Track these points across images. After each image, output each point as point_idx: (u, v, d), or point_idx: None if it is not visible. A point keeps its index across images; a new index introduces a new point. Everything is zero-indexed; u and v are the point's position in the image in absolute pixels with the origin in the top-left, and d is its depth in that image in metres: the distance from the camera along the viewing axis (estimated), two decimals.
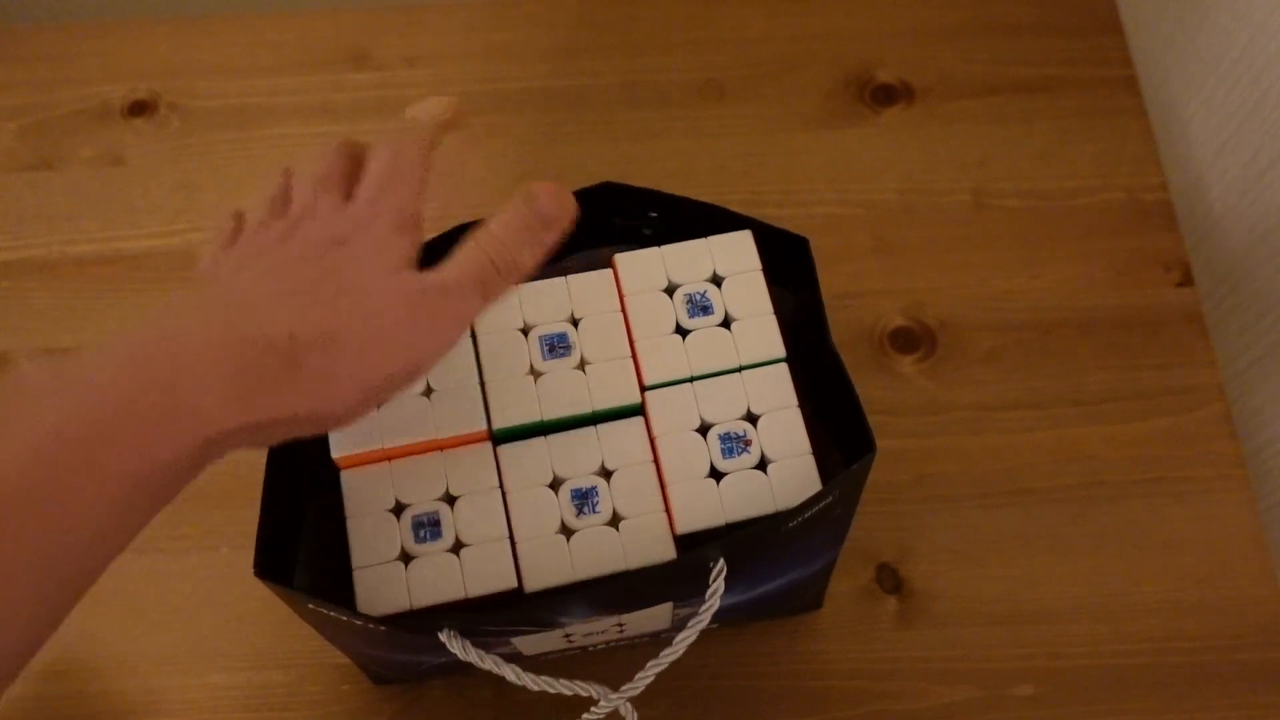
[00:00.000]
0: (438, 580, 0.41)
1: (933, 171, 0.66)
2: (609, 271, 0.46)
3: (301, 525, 0.44)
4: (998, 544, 0.56)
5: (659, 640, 0.52)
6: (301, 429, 0.35)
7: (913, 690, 0.53)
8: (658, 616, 0.45)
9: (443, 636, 0.39)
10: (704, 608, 0.40)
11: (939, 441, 0.58)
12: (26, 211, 0.66)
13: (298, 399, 0.34)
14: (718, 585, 0.39)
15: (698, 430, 0.43)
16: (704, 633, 0.41)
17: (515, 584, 0.41)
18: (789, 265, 0.45)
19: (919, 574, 0.55)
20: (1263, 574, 0.55)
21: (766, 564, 0.44)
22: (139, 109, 0.69)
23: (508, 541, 0.41)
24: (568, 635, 0.45)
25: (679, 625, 0.49)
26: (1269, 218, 0.57)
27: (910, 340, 0.61)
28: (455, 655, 0.39)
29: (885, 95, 0.68)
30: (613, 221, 0.47)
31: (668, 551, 0.41)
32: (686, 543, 0.41)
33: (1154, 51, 0.67)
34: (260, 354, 0.33)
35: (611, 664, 0.52)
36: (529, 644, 0.45)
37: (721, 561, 0.39)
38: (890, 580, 0.55)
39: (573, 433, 0.43)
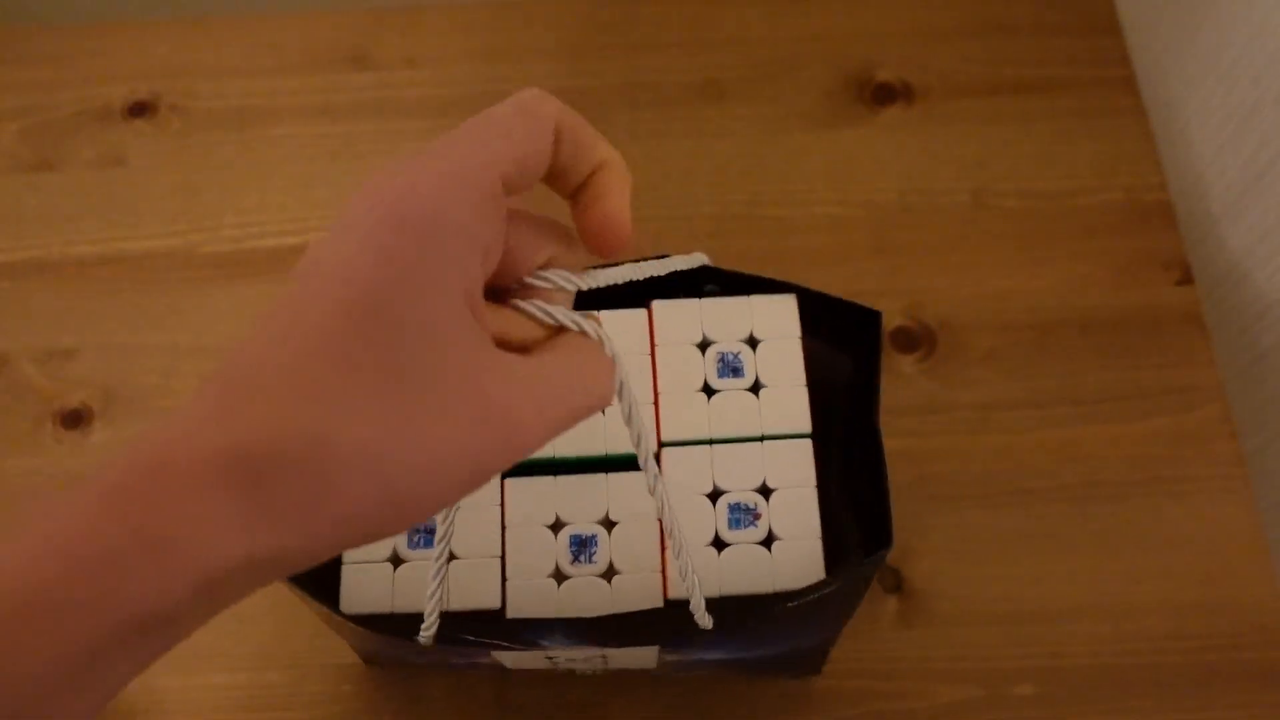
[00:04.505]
0: (423, 588, 0.40)
1: (933, 171, 0.66)
2: (643, 312, 0.44)
3: None
4: (998, 544, 0.56)
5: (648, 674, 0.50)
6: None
7: (913, 690, 0.53)
8: (643, 656, 0.45)
9: (420, 639, 0.39)
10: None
11: (939, 441, 0.58)
12: (27, 212, 0.66)
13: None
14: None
15: (708, 495, 0.42)
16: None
17: (499, 605, 0.40)
18: (854, 333, 0.44)
19: (919, 574, 0.55)
20: (1263, 574, 0.55)
21: (762, 634, 0.42)
22: (139, 110, 0.69)
23: (499, 560, 0.41)
24: (550, 658, 0.44)
25: (665, 670, 0.48)
26: (1269, 218, 0.57)
27: (910, 340, 0.61)
28: (439, 657, 0.39)
29: (885, 95, 0.68)
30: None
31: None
32: (677, 607, 0.40)
33: (1153, 51, 0.67)
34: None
35: (598, 683, 0.52)
36: (511, 659, 0.45)
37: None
38: (890, 580, 0.55)
39: (582, 477, 0.42)
